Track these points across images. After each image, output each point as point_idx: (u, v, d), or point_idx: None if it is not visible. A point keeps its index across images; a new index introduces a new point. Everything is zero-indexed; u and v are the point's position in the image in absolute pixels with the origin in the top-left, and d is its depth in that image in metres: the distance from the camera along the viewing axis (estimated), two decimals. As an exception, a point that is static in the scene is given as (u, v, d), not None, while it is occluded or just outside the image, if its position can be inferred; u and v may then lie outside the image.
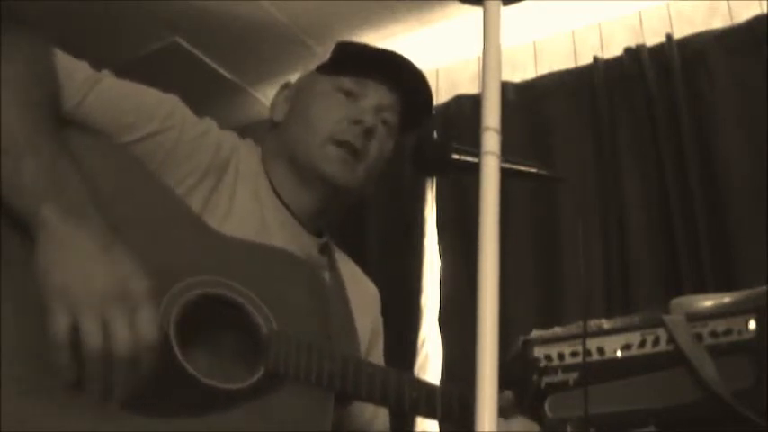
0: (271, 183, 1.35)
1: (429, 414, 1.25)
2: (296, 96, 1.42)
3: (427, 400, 1.22)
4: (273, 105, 1.44)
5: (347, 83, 1.36)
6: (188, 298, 1.08)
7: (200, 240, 1.17)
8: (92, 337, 0.93)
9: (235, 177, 1.29)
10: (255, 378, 1.09)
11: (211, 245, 1.17)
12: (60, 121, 1.09)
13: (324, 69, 1.41)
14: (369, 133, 1.33)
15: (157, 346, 0.97)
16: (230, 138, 1.35)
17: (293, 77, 1.49)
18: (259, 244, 1.23)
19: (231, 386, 1.08)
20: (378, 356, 1.48)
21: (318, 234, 1.40)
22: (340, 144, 1.32)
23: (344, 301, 1.38)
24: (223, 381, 1.08)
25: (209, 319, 1.08)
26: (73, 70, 1.15)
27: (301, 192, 1.35)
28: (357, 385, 1.16)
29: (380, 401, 1.21)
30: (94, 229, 0.99)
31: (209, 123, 1.32)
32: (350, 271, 1.49)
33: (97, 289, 0.94)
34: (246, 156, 1.34)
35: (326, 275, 1.36)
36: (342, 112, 1.34)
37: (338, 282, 1.40)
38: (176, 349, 1.04)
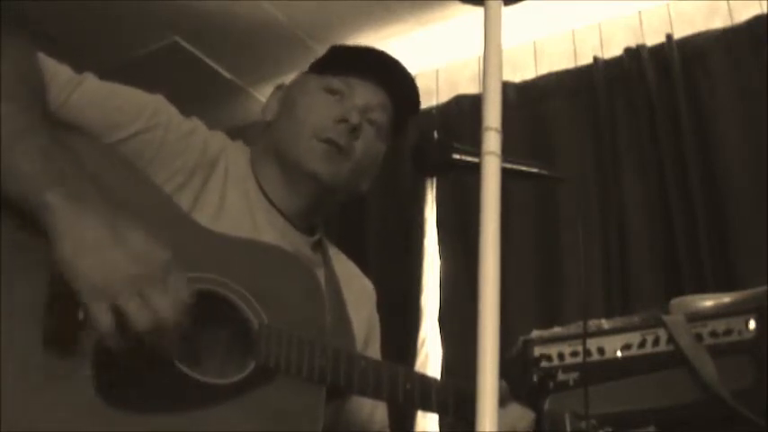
0: (259, 184, 1.35)
1: (424, 405, 1.24)
2: (286, 96, 1.43)
3: (422, 392, 1.22)
4: (266, 106, 1.45)
5: (335, 82, 1.38)
6: None
7: (190, 238, 1.16)
8: (139, 315, 0.95)
9: (224, 177, 1.29)
10: (245, 373, 1.09)
11: (201, 242, 1.17)
12: (48, 118, 1.08)
13: (314, 69, 1.44)
14: (353, 131, 1.34)
15: (192, 301, 1.00)
16: (218, 138, 1.35)
17: (293, 78, 1.49)
18: (250, 240, 1.23)
19: (220, 381, 1.07)
20: (375, 351, 1.47)
21: (310, 232, 1.41)
22: (324, 141, 1.33)
23: (339, 297, 1.38)
24: (215, 377, 1.08)
25: (201, 316, 1.07)
26: (56, 71, 1.15)
27: (289, 190, 1.35)
28: (349, 379, 1.16)
29: (374, 394, 1.21)
30: (101, 211, 0.99)
31: (196, 123, 1.32)
32: (345, 267, 1.48)
33: (124, 270, 0.95)
34: (235, 157, 1.35)
35: (320, 272, 1.36)
36: (327, 111, 1.35)
37: (332, 278, 1.39)
38: None
